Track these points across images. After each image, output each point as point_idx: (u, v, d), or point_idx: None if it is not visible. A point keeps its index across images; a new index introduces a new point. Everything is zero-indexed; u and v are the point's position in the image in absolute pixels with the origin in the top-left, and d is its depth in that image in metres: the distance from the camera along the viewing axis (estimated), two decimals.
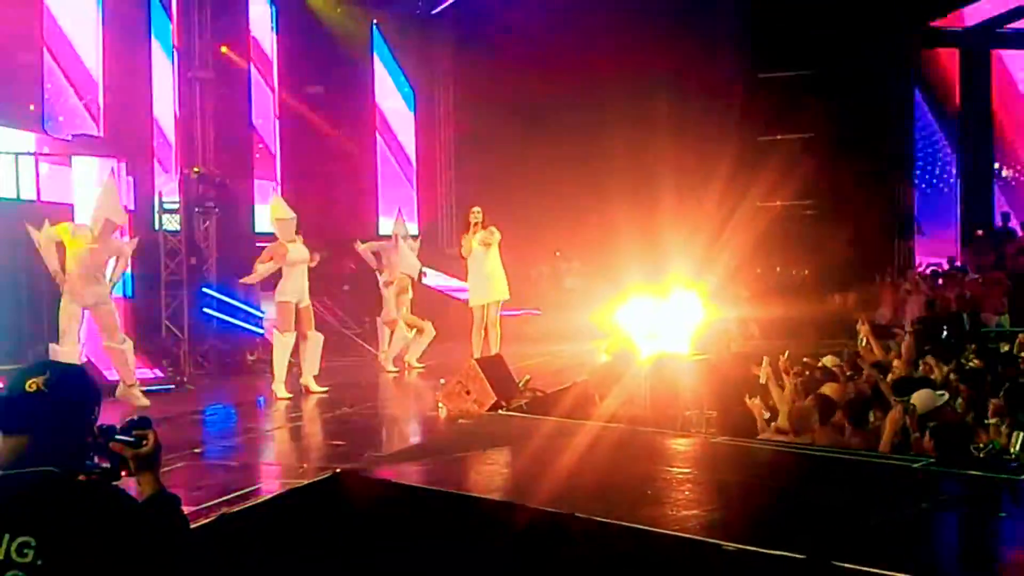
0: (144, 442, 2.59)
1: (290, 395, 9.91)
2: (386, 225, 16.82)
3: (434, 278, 14.25)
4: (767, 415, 7.49)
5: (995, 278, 16.19)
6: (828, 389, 7.30)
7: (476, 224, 10.92)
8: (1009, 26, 19.80)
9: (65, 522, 2.34)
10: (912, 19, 18.72)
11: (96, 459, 2.56)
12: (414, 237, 13.36)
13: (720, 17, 17.23)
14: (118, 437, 2.57)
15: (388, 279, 12.32)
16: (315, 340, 10.35)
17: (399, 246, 12.31)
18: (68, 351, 8.81)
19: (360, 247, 12.75)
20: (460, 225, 12.76)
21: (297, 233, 10.30)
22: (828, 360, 9.30)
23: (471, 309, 11.12)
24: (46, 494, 2.38)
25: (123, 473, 2.58)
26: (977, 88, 20.17)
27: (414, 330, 12.41)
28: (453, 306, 14.20)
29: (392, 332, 12.30)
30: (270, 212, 10.80)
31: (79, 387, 2.56)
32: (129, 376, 9.37)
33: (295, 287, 10.17)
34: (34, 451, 2.42)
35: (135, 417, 2.68)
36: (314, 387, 10.23)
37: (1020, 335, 9.87)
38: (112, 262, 9.41)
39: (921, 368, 8.51)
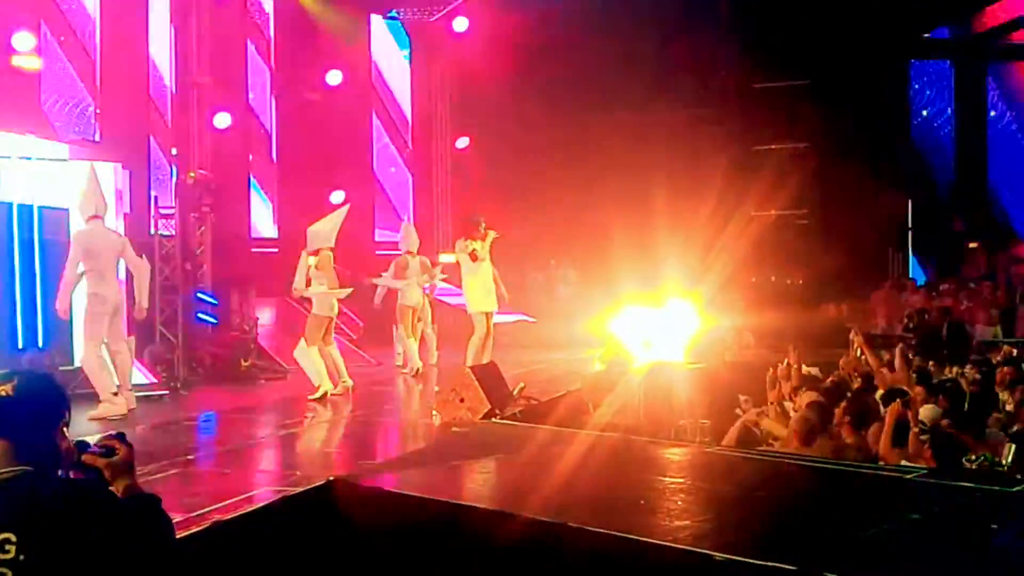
0: (116, 451, 2.68)
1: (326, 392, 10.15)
2: (382, 235, 17.06)
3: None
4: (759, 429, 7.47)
5: (987, 288, 16.23)
6: (807, 397, 7.30)
7: (483, 232, 10.99)
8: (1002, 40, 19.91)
9: (45, 517, 2.39)
10: (906, 30, 18.81)
11: (72, 476, 2.63)
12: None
13: (715, 27, 17.27)
14: (90, 450, 2.67)
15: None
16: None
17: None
18: (98, 358, 8.91)
19: (376, 281, 12.91)
20: (455, 233, 12.76)
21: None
22: (810, 371, 9.32)
23: (471, 316, 11.11)
24: (25, 491, 2.44)
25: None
26: (972, 98, 20.27)
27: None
28: (444, 311, 14.21)
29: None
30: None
31: (46, 392, 2.63)
32: (125, 379, 9.33)
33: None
34: (11, 454, 2.49)
35: (111, 432, 2.77)
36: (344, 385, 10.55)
37: (1005, 347, 9.91)
38: (124, 267, 9.35)
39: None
